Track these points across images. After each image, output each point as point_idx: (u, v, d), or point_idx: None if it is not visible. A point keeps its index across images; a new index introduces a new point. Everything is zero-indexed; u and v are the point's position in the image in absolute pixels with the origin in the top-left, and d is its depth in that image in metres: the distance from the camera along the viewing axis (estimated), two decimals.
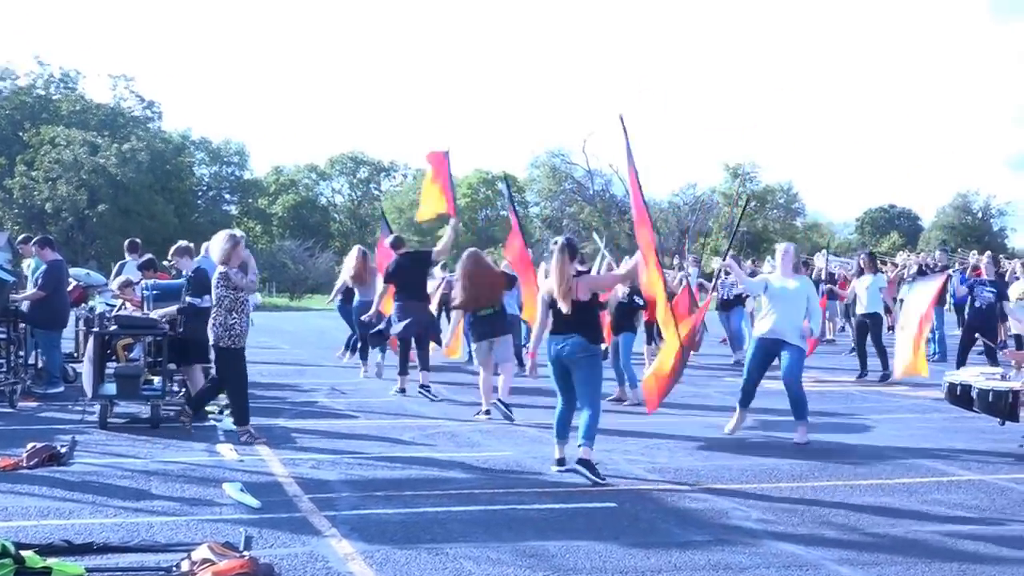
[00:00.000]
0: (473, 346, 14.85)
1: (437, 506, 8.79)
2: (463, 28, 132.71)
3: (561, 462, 10.37)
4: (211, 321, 11.95)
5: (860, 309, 19.87)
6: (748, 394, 12.68)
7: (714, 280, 19.55)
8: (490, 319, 14.02)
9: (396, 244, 16.47)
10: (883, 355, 18.99)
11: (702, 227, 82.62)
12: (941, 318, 23.76)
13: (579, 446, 10.02)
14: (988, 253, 23.17)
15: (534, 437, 12.39)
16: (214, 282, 12.02)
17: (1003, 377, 12.34)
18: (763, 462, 10.97)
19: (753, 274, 18.53)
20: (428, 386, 15.65)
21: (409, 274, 15.75)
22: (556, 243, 10.44)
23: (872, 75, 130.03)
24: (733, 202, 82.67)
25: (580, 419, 10.23)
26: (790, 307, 12.40)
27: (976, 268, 26.59)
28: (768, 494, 9.47)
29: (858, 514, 8.73)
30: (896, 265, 30.76)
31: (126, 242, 19.41)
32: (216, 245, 12.08)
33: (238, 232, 12.41)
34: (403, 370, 16.32)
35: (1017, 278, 19.13)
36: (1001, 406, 12.06)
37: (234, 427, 12.09)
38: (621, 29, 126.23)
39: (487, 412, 13.93)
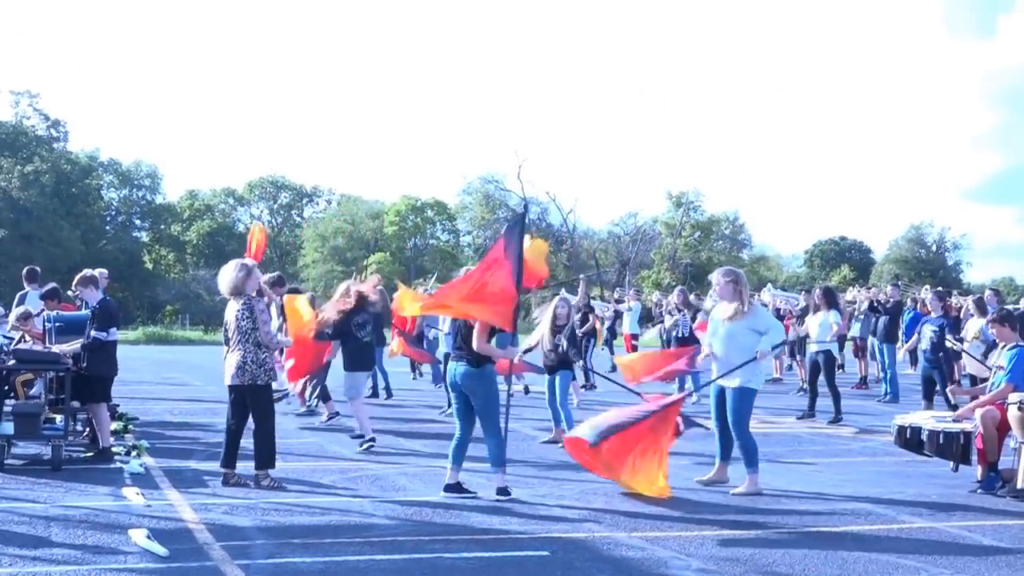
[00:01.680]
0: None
1: (359, 554, 8.76)
2: (388, 48, 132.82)
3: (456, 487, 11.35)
4: (238, 361, 11.72)
5: (813, 347, 19.94)
6: (723, 445, 12.46)
7: (664, 316, 19.71)
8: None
9: (277, 283, 17.39)
10: (836, 397, 19.10)
11: (644, 258, 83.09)
12: (893, 357, 24.02)
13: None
14: (935, 289, 23.46)
15: (462, 481, 12.36)
16: (236, 314, 11.82)
17: (954, 420, 12.51)
18: (704, 509, 11.02)
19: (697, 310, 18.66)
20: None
21: None
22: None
23: (822, 100, 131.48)
24: (676, 233, 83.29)
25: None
26: (730, 344, 12.16)
27: (925, 304, 26.99)
28: (709, 542, 9.52)
29: (803, 563, 8.79)
30: (848, 301, 31.08)
31: (24, 271, 19.14)
32: (226, 276, 11.91)
33: (249, 260, 12.44)
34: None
35: (971, 315, 19.35)
36: (953, 449, 12.24)
37: (255, 472, 11.89)
38: (561, 50, 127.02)
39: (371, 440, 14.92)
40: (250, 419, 12.00)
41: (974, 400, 12.69)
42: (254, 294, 12.04)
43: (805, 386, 22.82)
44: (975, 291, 37.05)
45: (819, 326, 19.65)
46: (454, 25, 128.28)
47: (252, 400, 11.89)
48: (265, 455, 11.91)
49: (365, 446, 14.71)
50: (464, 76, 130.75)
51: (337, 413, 17.57)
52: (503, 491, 11.20)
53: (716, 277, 12.57)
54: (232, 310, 11.92)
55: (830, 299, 19.89)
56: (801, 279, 78.92)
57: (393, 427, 17.31)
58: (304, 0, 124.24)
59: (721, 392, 12.26)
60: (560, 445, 15.33)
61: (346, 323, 15.35)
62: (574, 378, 17.51)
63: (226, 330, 11.98)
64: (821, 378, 19.49)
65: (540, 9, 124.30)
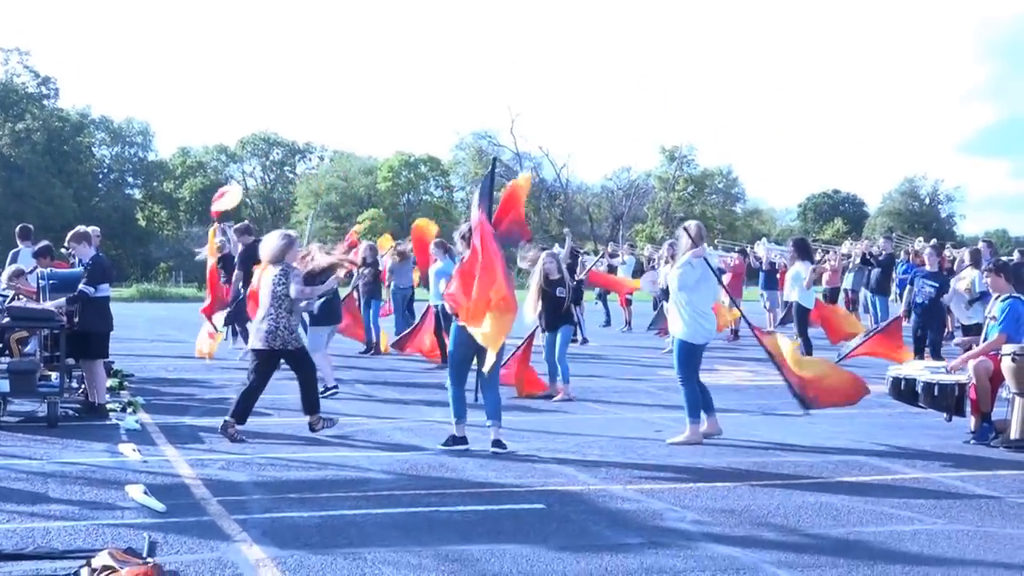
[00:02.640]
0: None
1: (355, 508, 8.79)
2: (381, 3, 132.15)
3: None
4: (269, 326, 12.06)
5: (792, 297, 20.05)
6: (703, 398, 12.52)
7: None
8: None
9: (245, 231, 17.99)
10: (807, 347, 19.22)
11: (637, 213, 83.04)
12: (886, 308, 24.08)
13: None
14: (932, 242, 23.48)
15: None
16: (273, 279, 12.15)
17: (948, 370, 12.55)
18: (699, 460, 11.06)
19: None
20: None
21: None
22: None
23: (813, 55, 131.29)
24: (669, 187, 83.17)
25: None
26: (675, 296, 12.37)
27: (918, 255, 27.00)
28: (704, 494, 9.55)
29: (798, 514, 8.82)
30: (844, 254, 31.10)
31: (17, 228, 19.13)
32: (269, 244, 12.37)
33: (293, 232, 12.80)
34: None
35: (965, 266, 19.34)
36: (947, 401, 12.29)
37: (309, 419, 12.39)
38: (553, 4, 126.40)
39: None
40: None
41: (967, 351, 12.71)
42: (293, 264, 12.45)
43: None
44: (968, 243, 37.04)
45: (791, 278, 19.79)
46: None
47: (293, 362, 12.38)
48: (314, 401, 12.42)
49: (328, 394, 15.14)
50: (456, 31, 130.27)
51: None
52: (499, 444, 11.34)
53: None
54: (269, 275, 12.22)
55: (801, 251, 20.02)
56: (795, 232, 78.83)
57: (389, 380, 17.35)
58: None
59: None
60: (556, 398, 15.38)
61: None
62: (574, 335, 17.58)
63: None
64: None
65: None
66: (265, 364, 12.19)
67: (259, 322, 12.25)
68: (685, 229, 12.40)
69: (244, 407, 12.04)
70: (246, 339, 18.69)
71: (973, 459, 11.34)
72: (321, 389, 15.43)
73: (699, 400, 12.26)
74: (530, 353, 16.19)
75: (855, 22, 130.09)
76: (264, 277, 12.42)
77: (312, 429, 12.26)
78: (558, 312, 15.71)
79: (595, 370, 19.01)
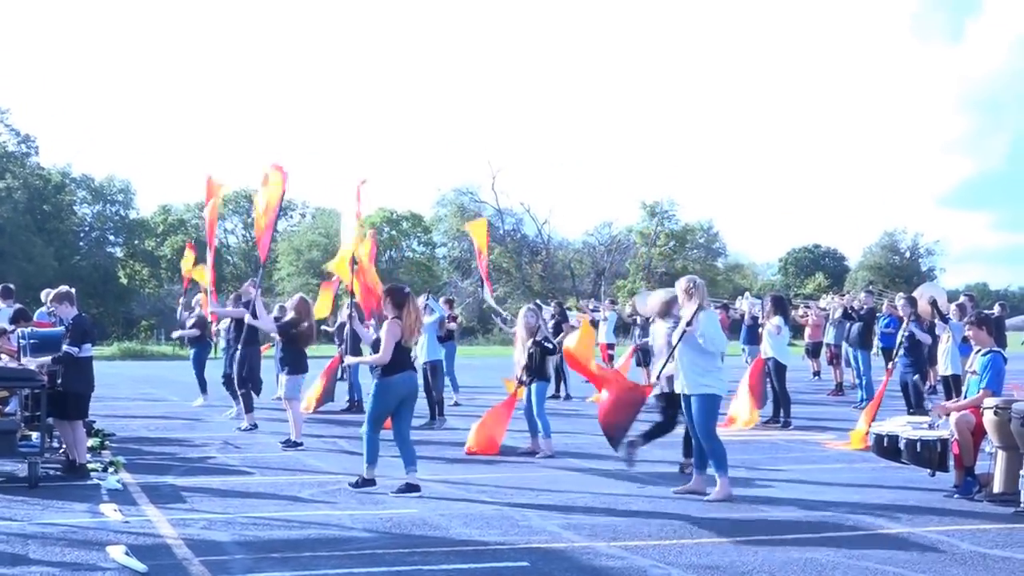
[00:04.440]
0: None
1: (337, 567, 8.75)
2: (362, 63, 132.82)
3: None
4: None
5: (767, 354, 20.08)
6: (698, 455, 12.55)
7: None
8: None
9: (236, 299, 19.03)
10: (786, 402, 19.36)
11: (618, 268, 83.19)
12: (868, 362, 24.11)
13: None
14: (906, 295, 23.53)
15: (441, 493, 12.38)
16: (667, 332, 13.08)
17: (931, 426, 12.56)
18: (683, 517, 11.03)
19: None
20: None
21: None
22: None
23: (793, 109, 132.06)
24: (650, 242, 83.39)
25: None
26: (688, 352, 12.26)
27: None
28: (688, 550, 9.52)
29: (783, 570, 8.80)
30: (821, 308, 31.16)
31: None
32: (654, 300, 13.93)
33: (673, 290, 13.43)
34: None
35: (948, 319, 19.33)
36: (930, 456, 12.30)
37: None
38: (533, 62, 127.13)
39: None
40: None
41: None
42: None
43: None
44: (949, 297, 37.07)
45: (767, 334, 19.84)
46: (427, 40, 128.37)
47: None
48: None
49: (290, 449, 15.88)
50: (437, 89, 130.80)
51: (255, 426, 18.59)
52: (413, 487, 12.28)
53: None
54: (660, 328, 13.56)
55: (776, 306, 20.07)
56: (776, 287, 79.04)
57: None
58: (275, 16, 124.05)
59: (688, 401, 12.34)
60: (538, 456, 15.35)
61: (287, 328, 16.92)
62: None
63: None
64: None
65: (514, 22, 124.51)
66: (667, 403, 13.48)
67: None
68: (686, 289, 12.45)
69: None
70: (246, 403, 18.75)
71: (957, 513, 11.34)
72: (287, 442, 16.08)
73: (726, 453, 12.26)
74: (508, 413, 16.38)
75: (834, 77, 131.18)
76: (656, 329, 13.77)
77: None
78: (531, 367, 15.75)
79: (577, 426, 18.99)
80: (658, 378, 13.33)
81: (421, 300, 18.97)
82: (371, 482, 12.39)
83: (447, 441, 16.91)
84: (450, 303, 26.10)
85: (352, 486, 12.43)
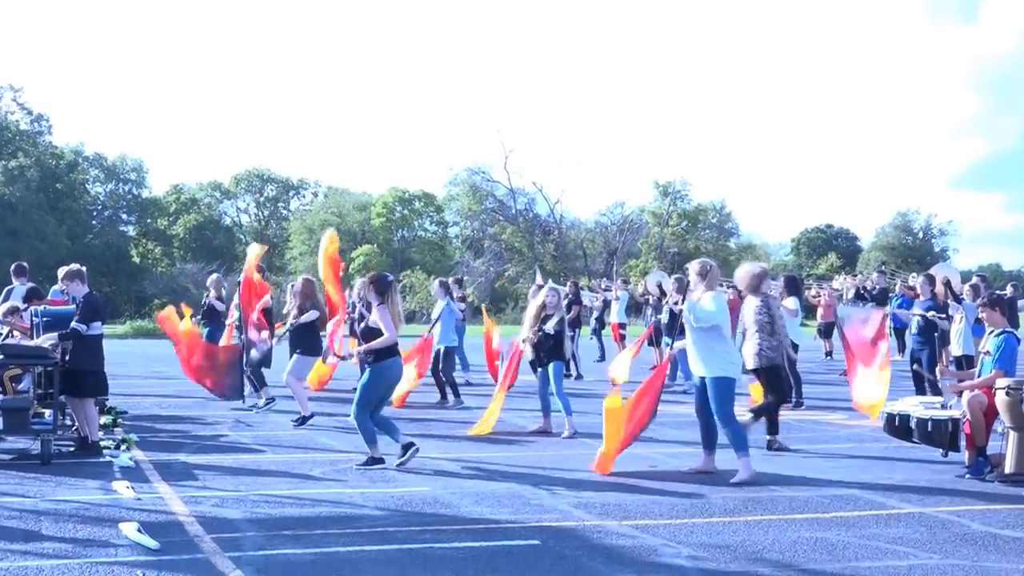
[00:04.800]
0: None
1: (349, 545, 8.78)
2: (374, 40, 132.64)
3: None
4: (755, 349, 13.68)
5: None
6: (706, 435, 12.60)
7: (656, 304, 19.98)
8: None
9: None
10: (797, 382, 19.32)
11: (631, 248, 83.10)
12: None
13: None
14: (925, 272, 23.47)
15: (451, 471, 12.41)
16: (756, 309, 13.82)
17: (943, 406, 12.55)
18: (694, 496, 11.05)
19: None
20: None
21: None
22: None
23: (807, 89, 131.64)
24: (663, 222, 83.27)
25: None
26: (698, 334, 12.30)
27: (913, 288, 26.99)
28: (699, 529, 9.54)
29: (793, 550, 8.81)
30: (834, 288, 31.13)
31: (12, 266, 19.14)
32: (744, 274, 14.27)
33: (765, 264, 13.71)
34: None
35: (961, 300, 19.26)
36: (941, 436, 12.29)
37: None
38: (546, 39, 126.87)
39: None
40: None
41: (961, 382, 12.74)
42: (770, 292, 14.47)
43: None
44: (962, 278, 37.02)
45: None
46: (440, 17, 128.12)
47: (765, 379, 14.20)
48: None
49: (300, 421, 16.29)
50: (450, 67, 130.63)
51: (273, 399, 18.73)
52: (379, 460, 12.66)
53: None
54: (750, 305, 14.09)
55: (789, 286, 20.03)
56: (788, 267, 78.87)
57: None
58: None
59: (703, 382, 12.35)
60: (564, 435, 15.34)
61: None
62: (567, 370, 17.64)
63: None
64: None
65: (527, 1, 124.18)
66: (766, 379, 14.10)
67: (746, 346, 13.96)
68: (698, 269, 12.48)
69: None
70: (254, 387, 18.81)
71: (968, 493, 11.33)
72: (298, 419, 16.18)
73: (746, 434, 12.37)
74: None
75: (847, 58, 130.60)
76: (746, 306, 14.27)
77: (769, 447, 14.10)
78: (546, 348, 15.74)
79: (588, 406, 18.98)
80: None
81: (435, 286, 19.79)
82: (379, 460, 12.58)
83: (457, 420, 16.95)
84: (459, 282, 26.15)
85: (360, 466, 12.53)
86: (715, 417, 12.21)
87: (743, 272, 14.25)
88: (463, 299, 25.51)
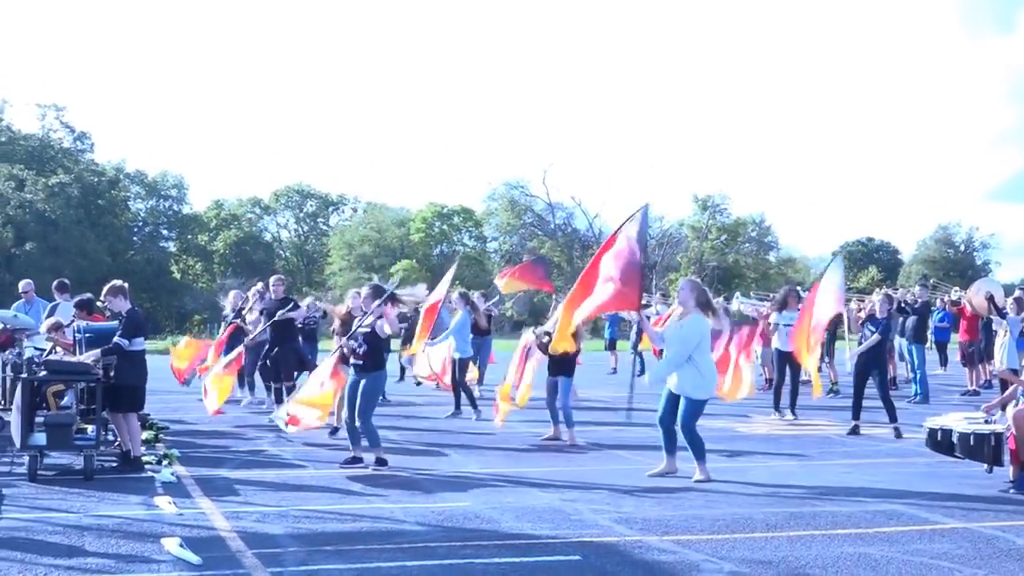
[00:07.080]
0: None
1: (390, 560, 8.79)
2: (413, 56, 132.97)
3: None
4: None
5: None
6: (667, 440, 13.21)
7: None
8: None
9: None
10: (794, 393, 19.79)
11: (670, 262, 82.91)
12: (922, 357, 23.95)
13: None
14: (883, 291, 23.37)
15: (492, 486, 12.42)
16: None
17: (987, 421, 12.47)
18: (736, 510, 11.02)
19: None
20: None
21: None
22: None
23: (846, 103, 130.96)
24: (702, 236, 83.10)
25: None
26: (671, 350, 12.99)
27: (956, 304, 26.88)
28: (741, 544, 9.51)
29: (836, 565, 8.77)
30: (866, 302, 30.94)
31: (55, 282, 19.30)
32: None
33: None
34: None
35: (1005, 314, 19.13)
36: (984, 451, 12.20)
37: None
38: (585, 54, 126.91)
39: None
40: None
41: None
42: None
43: (835, 387, 23.14)
44: (1005, 291, 36.83)
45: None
46: (479, 33, 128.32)
47: None
48: None
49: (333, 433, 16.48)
50: (488, 82, 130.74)
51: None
52: (382, 462, 13.62)
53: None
54: None
55: (786, 300, 20.11)
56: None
57: (423, 428, 17.35)
58: (329, 10, 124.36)
59: (675, 397, 12.92)
60: (567, 442, 15.69)
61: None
62: None
63: None
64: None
65: (565, 15, 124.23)
66: None
67: None
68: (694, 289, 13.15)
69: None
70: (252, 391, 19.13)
71: (1013, 508, 11.25)
72: (332, 429, 16.47)
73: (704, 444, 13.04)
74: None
75: (886, 71, 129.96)
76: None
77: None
78: (560, 359, 15.99)
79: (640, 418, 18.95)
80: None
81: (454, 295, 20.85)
82: (384, 461, 13.67)
83: (497, 434, 16.93)
84: (485, 296, 26.17)
85: (375, 468, 13.47)
86: (681, 429, 12.83)
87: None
88: (488, 313, 25.30)
